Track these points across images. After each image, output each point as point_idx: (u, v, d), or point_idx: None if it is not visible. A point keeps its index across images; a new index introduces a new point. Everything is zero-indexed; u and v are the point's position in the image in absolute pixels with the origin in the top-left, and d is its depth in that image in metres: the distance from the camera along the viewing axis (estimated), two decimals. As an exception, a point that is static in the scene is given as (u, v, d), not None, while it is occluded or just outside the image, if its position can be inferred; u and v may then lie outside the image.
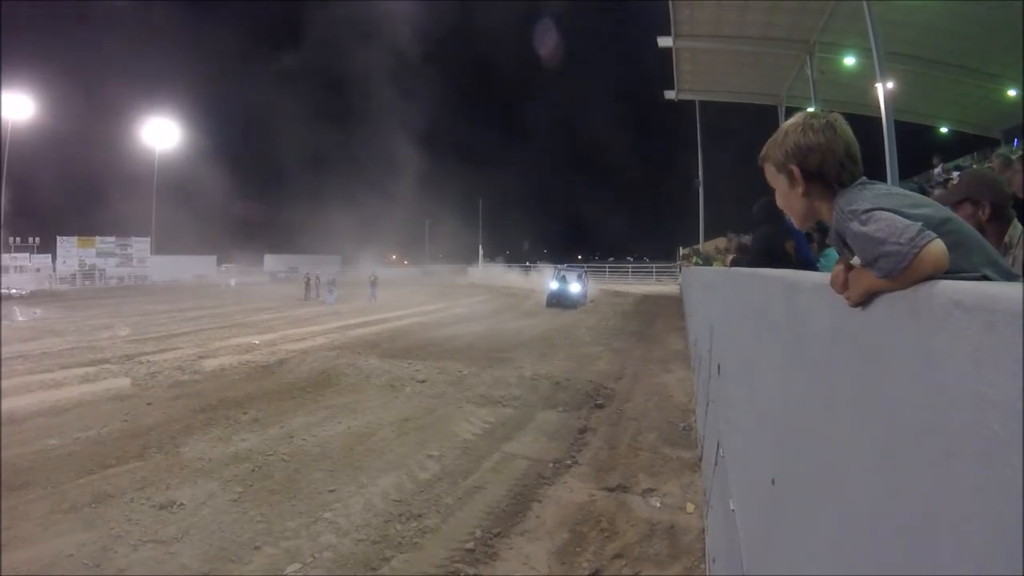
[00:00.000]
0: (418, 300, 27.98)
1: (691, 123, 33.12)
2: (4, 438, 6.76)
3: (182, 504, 5.06)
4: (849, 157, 1.28)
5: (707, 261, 20.51)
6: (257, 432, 7.08)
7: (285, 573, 4.01)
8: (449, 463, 6.12)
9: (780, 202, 1.44)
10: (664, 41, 22.69)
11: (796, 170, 1.33)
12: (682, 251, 37.69)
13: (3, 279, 34.89)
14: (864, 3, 14.93)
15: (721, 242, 20.82)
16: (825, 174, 1.29)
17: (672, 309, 22.94)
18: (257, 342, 14.30)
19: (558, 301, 24.92)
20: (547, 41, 69.26)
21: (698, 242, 34.09)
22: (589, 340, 15.31)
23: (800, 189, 1.34)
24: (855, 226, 1.05)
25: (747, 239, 8.89)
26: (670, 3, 19.89)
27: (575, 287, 26.13)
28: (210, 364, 11.44)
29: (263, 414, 7.85)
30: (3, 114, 43.55)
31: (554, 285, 26.25)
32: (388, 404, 8.40)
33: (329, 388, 9.45)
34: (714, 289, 6.46)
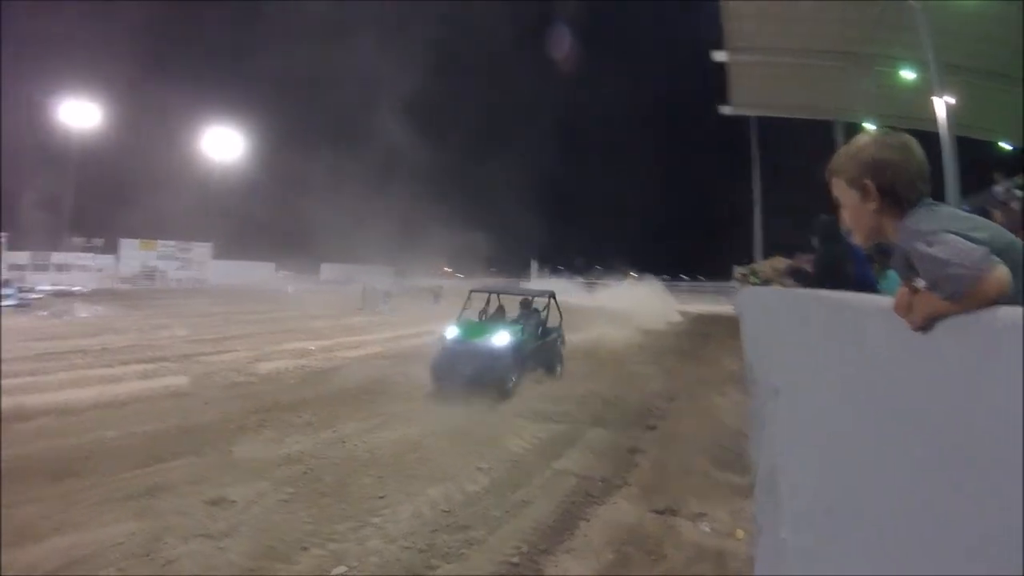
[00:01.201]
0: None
1: (746, 138, 32.60)
2: (62, 428, 7.11)
3: (233, 501, 5.17)
4: (920, 177, 1.29)
5: (765, 281, 19.93)
6: (309, 435, 7.23)
7: (331, 575, 4.09)
8: (498, 476, 6.11)
9: (847, 216, 1.44)
10: (718, 55, 22.45)
11: (871, 185, 1.33)
12: (738, 270, 36.71)
13: (66, 277, 37.26)
14: (919, 13, 14.44)
15: (778, 262, 20.22)
16: (897, 192, 1.30)
17: (727, 330, 22.35)
18: (312, 348, 14.62)
19: (461, 375, 9.51)
20: (585, 50, 68.74)
21: (752, 260, 33.20)
22: (640, 359, 15.04)
23: (873, 205, 1.34)
24: (921, 247, 1.05)
25: (804, 260, 8.64)
26: (723, 17, 19.71)
27: (501, 339, 10.02)
28: (265, 367, 11.71)
29: (316, 418, 8.01)
30: (71, 121, 46.39)
31: (453, 331, 10.53)
32: (439, 415, 8.46)
33: (382, 396, 9.57)
34: (773, 311, 6.32)
